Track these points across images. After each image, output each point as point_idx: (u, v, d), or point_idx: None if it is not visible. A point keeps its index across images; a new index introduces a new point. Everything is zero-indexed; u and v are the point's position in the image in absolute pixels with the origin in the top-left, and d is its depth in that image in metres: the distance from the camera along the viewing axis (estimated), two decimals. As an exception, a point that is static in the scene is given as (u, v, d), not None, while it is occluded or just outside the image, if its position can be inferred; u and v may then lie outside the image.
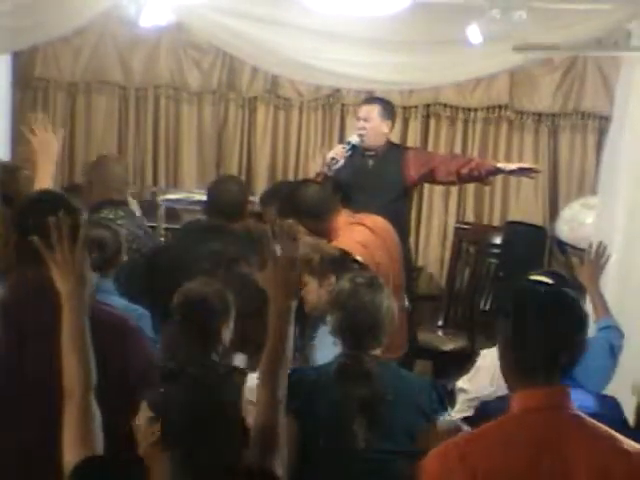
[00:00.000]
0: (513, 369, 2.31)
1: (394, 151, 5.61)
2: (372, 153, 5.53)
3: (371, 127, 5.52)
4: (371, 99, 5.82)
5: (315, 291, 3.99)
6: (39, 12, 4.75)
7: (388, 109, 5.71)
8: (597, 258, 3.91)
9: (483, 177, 5.56)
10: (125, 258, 4.01)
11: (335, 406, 3.10)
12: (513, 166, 5.64)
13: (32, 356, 2.61)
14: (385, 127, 5.61)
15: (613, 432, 2.27)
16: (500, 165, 5.64)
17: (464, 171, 5.43)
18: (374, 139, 5.53)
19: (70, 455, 2.28)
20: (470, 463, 2.22)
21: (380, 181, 5.41)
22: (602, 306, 3.78)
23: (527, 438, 2.23)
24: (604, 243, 3.97)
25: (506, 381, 2.35)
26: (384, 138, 5.59)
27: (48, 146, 4.05)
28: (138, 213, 4.99)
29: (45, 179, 3.90)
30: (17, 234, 2.71)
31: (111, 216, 4.46)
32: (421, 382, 3.37)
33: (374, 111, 5.57)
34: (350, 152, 5.46)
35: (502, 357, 2.34)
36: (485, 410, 3.16)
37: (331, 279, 3.95)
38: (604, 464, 2.20)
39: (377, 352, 3.23)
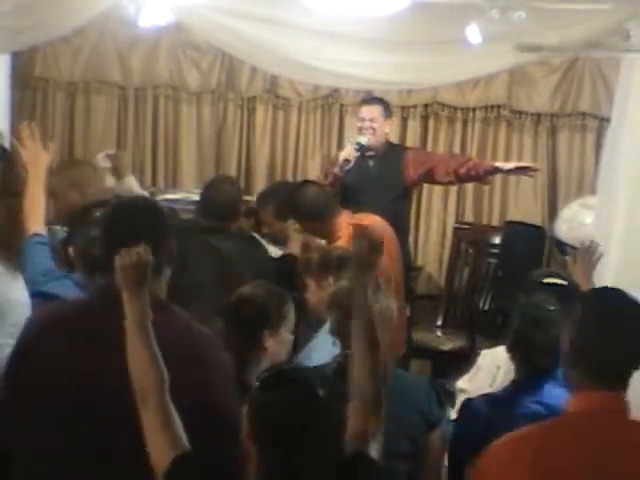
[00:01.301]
0: (583, 369, 2.29)
1: (394, 151, 5.62)
2: (372, 153, 5.54)
3: (377, 127, 5.54)
4: (372, 99, 5.82)
5: (315, 292, 3.99)
6: (39, 12, 4.75)
7: (388, 109, 5.74)
8: (589, 256, 3.91)
9: (482, 177, 5.57)
10: None
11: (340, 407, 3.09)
12: (511, 165, 5.65)
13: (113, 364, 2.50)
14: (387, 127, 5.64)
15: None
16: (498, 164, 5.65)
17: (462, 171, 5.44)
18: (378, 139, 5.54)
19: (159, 457, 2.23)
20: (544, 461, 2.21)
21: (380, 181, 5.42)
22: None
23: (597, 438, 2.23)
24: (596, 241, 3.98)
25: (569, 380, 2.34)
26: (385, 137, 5.61)
27: (38, 159, 3.99)
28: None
29: (35, 192, 3.83)
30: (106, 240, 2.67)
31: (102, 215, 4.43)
32: (420, 382, 3.38)
33: (377, 111, 5.58)
34: (359, 153, 5.47)
35: (571, 356, 2.33)
36: (469, 407, 3.17)
37: (329, 280, 3.95)
38: None
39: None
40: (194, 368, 2.54)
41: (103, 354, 2.54)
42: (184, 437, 2.27)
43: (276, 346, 3.30)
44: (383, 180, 5.43)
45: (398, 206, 5.49)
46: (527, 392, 3.08)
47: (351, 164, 5.41)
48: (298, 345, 3.85)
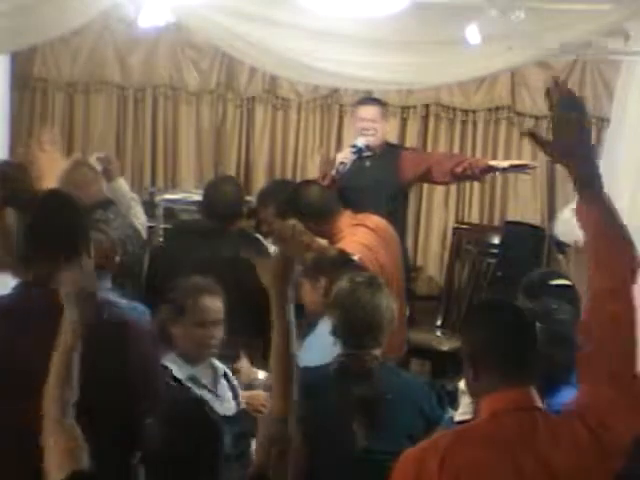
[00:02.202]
0: (487, 374, 2.35)
1: (391, 151, 5.61)
2: (369, 154, 5.53)
3: (378, 127, 5.54)
4: (372, 100, 5.81)
5: (308, 293, 3.99)
6: (38, 12, 4.75)
7: (386, 109, 5.73)
8: (584, 255, 3.90)
9: (477, 176, 5.56)
10: (118, 259, 4.00)
11: (334, 406, 3.10)
12: (506, 163, 5.64)
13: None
14: (386, 127, 5.64)
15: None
16: (493, 163, 5.63)
17: (458, 170, 5.43)
18: (379, 140, 5.55)
19: (56, 472, 2.24)
20: (450, 466, 2.25)
21: (376, 181, 5.40)
22: None
23: (506, 439, 2.27)
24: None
25: (474, 382, 2.39)
26: (384, 138, 5.62)
27: (54, 164, 4.00)
28: (140, 210, 4.94)
29: None
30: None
31: (101, 217, 4.42)
32: (421, 383, 3.38)
33: (378, 112, 5.59)
34: (356, 155, 5.47)
35: (477, 356, 2.38)
36: None
37: (321, 282, 3.94)
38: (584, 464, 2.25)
39: (377, 352, 3.23)
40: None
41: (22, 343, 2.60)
42: (83, 456, 2.28)
43: None
44: (380, 180, 5.42)
45: (395, 206, 5.48)
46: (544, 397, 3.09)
47: (347, 166, 5.41)
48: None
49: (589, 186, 2.36)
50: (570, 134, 2.34)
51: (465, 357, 2.41)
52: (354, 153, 5.45)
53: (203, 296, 3.41)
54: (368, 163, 5.54)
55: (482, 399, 2.36)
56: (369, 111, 5.62)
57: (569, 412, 2.35)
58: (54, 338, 2.42)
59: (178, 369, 3.32)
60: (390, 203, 5.39)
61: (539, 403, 2.36)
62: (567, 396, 2.89)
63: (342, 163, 5.42)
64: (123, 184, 4.82)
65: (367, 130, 5.54)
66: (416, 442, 3.12)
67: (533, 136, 2.49)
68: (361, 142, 5.51)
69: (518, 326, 2.41)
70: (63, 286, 2.44)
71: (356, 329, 3.22)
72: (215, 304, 3.44)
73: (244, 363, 3.97)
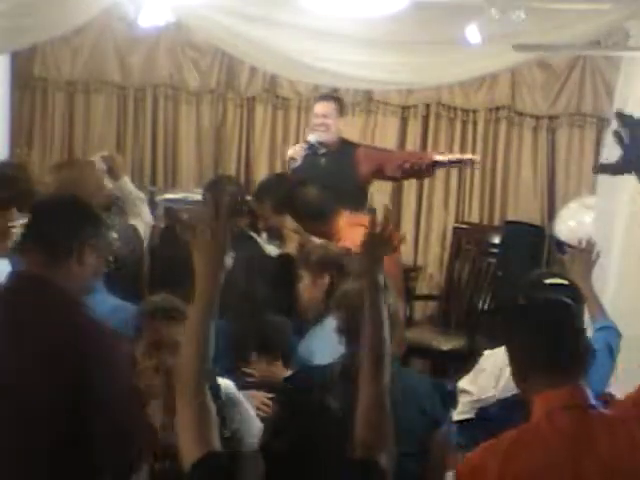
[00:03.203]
0: (538, 370, 2.33)
1: (346, 148, 5.60)
2: (325, 151, 5.53)
3: (331, 124, 5.55)
4: (327, 97, 5.87)
5: (308, 288, 3.98)
6: (38, 12, 4.76)
7: (342, 106, 5.74)
8: (586, 255, 3.91)
9: (425, 171, 5.54)
10: (112, 259, 3.99)
11: (343, 406, 3.08)
12: (451, 157, 5.61)
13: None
14: (340, 124, 5.64)
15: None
16: (438, 158, 5.58)
17: (406, 166, 5.40)
18: (331, 136, 5.55)
19: (190, 450, 2.21)
20: (510, 470, 2.25)
21: (333, 178, 5.37)
22: (596, 303, 3.76)
23: (564, 439, 2.26)
24: (592, 240, 3.97)
25: (523, 383, 2.38)
26: (338, 134, 5.61)
27: None
28: (146, 209, 4.92)
29: None
30: None
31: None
32: (424, 382, 3.36)
33: (331, 108, 5.59)
34: (308, 151, 5.47)
35: (522, 359, 2.37)
36: (485, 415, 3.18)
37: (325, 279, 3.94)
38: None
39: None
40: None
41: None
42: (216, 437, 2.24)
43: None
44: (335, 177, 5.39)
45: (353, 203, 5.44)
46: None
47: (298, 162, 5.42)
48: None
49: None
50: None
51: (512, 358, 2.40)
52: (306, 149, 5.46)
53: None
54: (323, 160, 5.53)
55: (534, 399, 2.33)
56: (321, 107, 5.66)
57: (622, 411, 2.35)
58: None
59: None
60: (349, 200, 5.34)
61: (592, 400, 2.34)
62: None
63: (292, 159, 5.46)
64: (128, 183, 4.80)
65: (319, 126, 5.56)
66: (419, 441, 3.13)
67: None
68: (313, 138, 5.52)
69: (564, 323, 2.39)
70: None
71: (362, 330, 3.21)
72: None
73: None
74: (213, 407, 2.28)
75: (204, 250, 2.36)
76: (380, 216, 2.63)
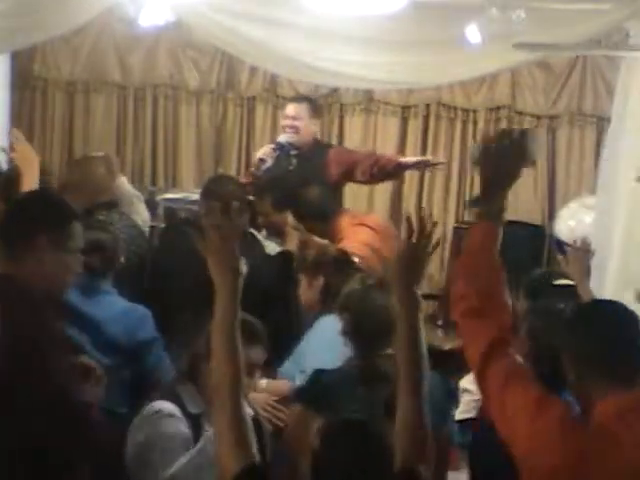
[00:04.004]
0: (600, 374, 2.32)
1: (318, 150, 5.53)
2: (296, 152, 5.48)
3: (301, 125, 5.49)
4: (299, 98, 5.82)
5: (305, 290, 3.99)
6: (38, 12, 4.75)
7: (315, 108, 5.68)
8: (582, 255, 3.91)
9: (392, 174, 5.51)
10: (122, 259, 4.00)
11: (362, 409, 3.06)
12: (414, 159, 5.58)
13: None
14: (313, 125, 5.59)
15: None
16: (402, 160, 5.56)
17: (375, 170, 5.34)
18: (303, 137, 5.49)
19: (229, 462, 2.17)
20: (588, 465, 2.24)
21: (303, 180, 5.34)
22: None
23: (637, 439, 2.24)
24: (588, 239, 3.97)
25: (581, 388, 2.36)
26: (311, 136, 5.57)
27: (29, 159, 4.00)
28: (143, 208, 4.93)
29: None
30: None
31: (106, 218, 4.42)
32: (433, 379, 3.36)
33: (303, 109, 5.53)
34: (277, 152, 5.43)
35: (583, 367, 2.35)
36: (486, 414, 3.16)
37: (319, 280, 3.94)
38: None
39: (390, 351, 3.23)
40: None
41: None
42: (254, 445, 2.21)
43: None
44: (307, 179, 5.35)
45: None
46: None
47: (267, 164, 5.38)
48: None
49: None
50: None
51: (569, 361, 2.38)
52: (275, 150, 5.43)
53: None
54: (294, 161, 5.49)
55: (594, 403, 2.31)
56: (291, 108, 5.59)
57: None
58: None
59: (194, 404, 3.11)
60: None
61: None
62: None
63: (261, 160, 5.40)
64: (125, 183, 4.82)
65: (288, 128, 5.51)
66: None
67: None
68: (283, 139, 5.48)
69: (624, 326, 2.37)
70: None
71: (369, 333, 3.21)
72: None
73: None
74: (249, 418, 2.25)
75: (217, 255, 2.33)
76: (414, 222, 2.54)
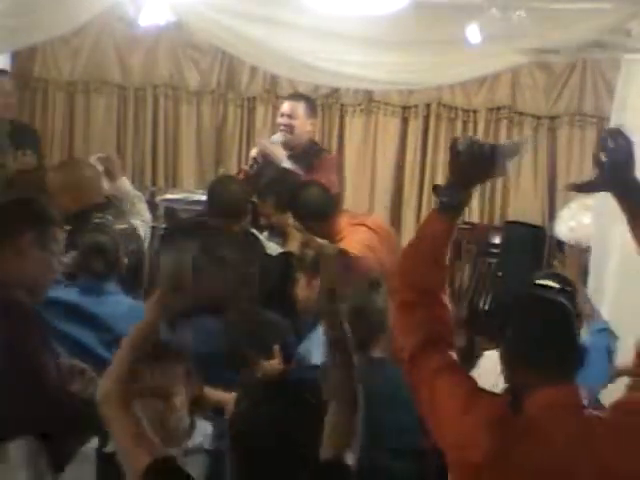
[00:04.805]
0: (530, 366, 2.32)
1: (312, 152, 5.49)
2: (289, 153, 5.44)
3: (297, 124, 5.45)
4: (296, 96, 5.76)
5: (303, 289, 3.98)
6: (38, 12, 4.75)
7: (312, 107, 5.62)
8: (579, 253, 3.90)
9: None
10: (125, 260, 4.00)
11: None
12: None
13: None
14: (309, 125, 5.53)
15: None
16: None
17: None
18: (298, 137, 5.44)
19: (136, 457, 2.26)
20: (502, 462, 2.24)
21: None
22: (589, 306, 3.75)
23: (564, 433, 2.24)
24: (583, 242, 3.97)
25: (513, 380, 2.36)
26: (307, 136, 5.52)
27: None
28: (145, 208, 4.92)
29: None
30: None
31: (102, 220, 4.40)
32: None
33: (299, 108, 5.48)
34: (252, 168, 5.38)
35: (515, 355, 2.36)
36: None
37: (319, 280, 3.93)
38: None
39: (378, 352, 3.23)
40: None
41: None
42: (156, 441, 2.30)
43: None
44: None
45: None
46: None
47: (259, 163, 5.33)
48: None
49: None
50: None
51: (504, 354, 2.39)
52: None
53: None
54: (288, 162, 5.44)
55: (526, 396, 2.30)
56: (287, 106, 5.53)
57: (619, 412, 2.32)
58: None
59: None
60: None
61: (585, 401, 2.32)
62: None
63: (255, 159, 5.37)
64: (126, 183, 4.81)
65: (283, 126, 5.46)
66: (410, 439, 3.13)
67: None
68: (276, 138, 5.44)
69: (558, 321, 2.37)
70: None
71: (357, 333, 3.20)
72: None
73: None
74: (144, 423, 2.33)
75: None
76: None
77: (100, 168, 4.73)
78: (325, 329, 2.49)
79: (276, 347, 3.59)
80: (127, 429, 2.30)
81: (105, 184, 4.71)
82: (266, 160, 5.41)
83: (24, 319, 2.81)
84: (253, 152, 5.49)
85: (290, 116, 5.46)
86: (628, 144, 2.41)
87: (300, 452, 2.19)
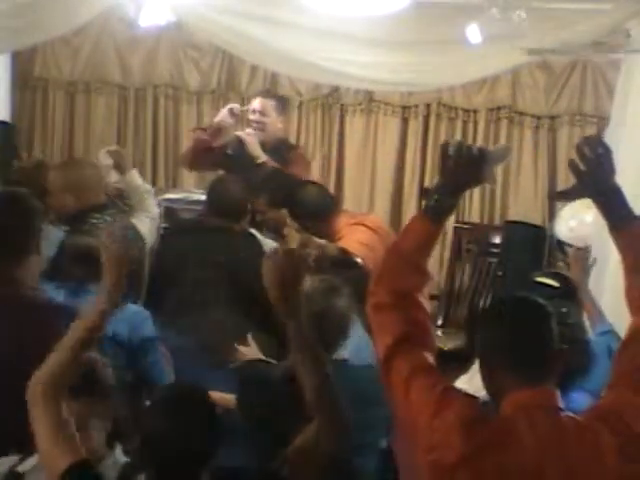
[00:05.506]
0: (504, 369, 2.31)
1: (281, 149, 5.51)
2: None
3: (268, 122, 5.46)
4: (267, 93, 5.79)
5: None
6: (38, 12, 4.75)
7: (283, 105, 5.67)
8: (584, 254, 3.90)
9: None
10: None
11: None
12: None
13: None
14: (279, 123, 5.56)
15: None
16: None
17: None
18: (269, 134, 5.46)
19: (56, 459, 2.26)
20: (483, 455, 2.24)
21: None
22: (594, 307, 3.74)
23: (535, 435, 2.24)
24: (589, 246, 3.97)
25: (489, 383, 2.36)
26: (277, 134, 5.54)
27: None
28: (153, 203, 4.90)
29: None
30: None
31: (100, 222, 4.38)
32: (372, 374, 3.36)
33: (270, 105, 5.50)
34: (236, 150, 5.38)
35: (491, 359, 2.35)
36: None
37: None
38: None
39: (340, 355, 3.24)
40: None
41: None
42: (78, 444, 2.30)
43: None
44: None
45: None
46: None
47: (225, 137, 5.34)
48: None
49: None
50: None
51: (479, 356, 2.39)
52: (236, 149, 5.38)
53: None
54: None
55: (502, 398, 2.31)
56: (258, 103, 5.54)
57: (593, 416, 2.31)
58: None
59: None
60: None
61: (561, 404, 2.32)
62: (578, 401, 2.89)
63: (219, 128, 5.37)
64: (135, 176, 4.79)
65: (254, 123, 5.47)
66: (370, 435, 3.14)
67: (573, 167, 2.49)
68: (249, 133, 5.43)
69: (533, 323, 2.35)
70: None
71: (323, 335, 3.19)
72: None
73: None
74: (71, 422, 2.34)
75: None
76: None
77: (109, 162, 4.72)
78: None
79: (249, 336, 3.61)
80: (48, 428, 2.29)
81: (114, 177, 4.70)
82: (240, 147, 5.39)
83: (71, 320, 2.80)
84: (216, 118, 5.46)
85: (262, 113, 5.49)
86: (606, 151, 2.42)
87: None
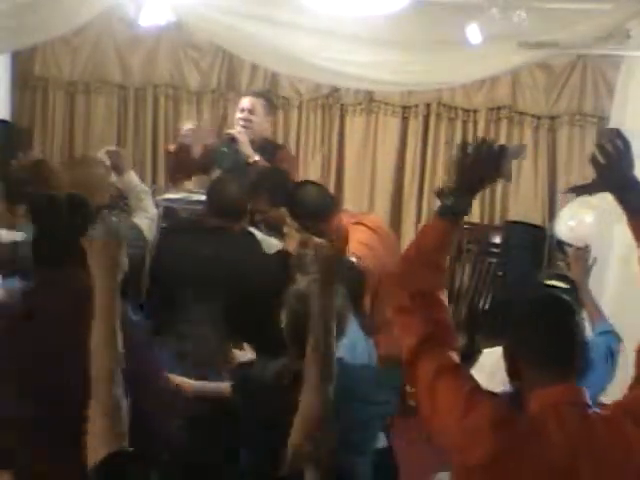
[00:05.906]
0: (533, 366, 2.32)
1: (267, 148, 5.51)
2: None
3: (256, 121, 5.46)
4: (256, 92, 5.78)
5: None
6: (38, 12, 4.76)
7: (271, 105, 5.65)
8: (584, 254, 3.90)
9: None
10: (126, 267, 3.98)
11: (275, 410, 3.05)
12: None
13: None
14: (267, 122, 5.57)
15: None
16: None
17: None
18: (256, 133, 5.46)
19: (99, 446, 2.24)
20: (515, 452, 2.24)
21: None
22: (595, 307, 3.75)
23: (566, 432, 2.25)
24: (589, 246, 3.97)
25: (517, 380, 2.36)
26: (264, 134, 5.55)
27: None
28: (151, 203, 4.90)
29: None
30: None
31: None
32: (368, 372, 3.35)
33: (259, 105, 5.50)
34: (226, 148, 5.39)
35: (522, 356, 2.35)
36: None
37: None
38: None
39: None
40: None
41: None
42: (125, 434, 2.28)
43: None
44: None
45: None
46: None
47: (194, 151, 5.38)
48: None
49: None
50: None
51: (507, 353, 2.38)
52: (225, 144, 5.39)
53: None
54: (240, 158, 5.44)
55: (531, 395, 2.31)
56: (247, 102, 5.53)
57: (617, 411, 2.32)
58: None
59: None
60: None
61: (589, 400, 2.33)
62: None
63: (188, 132, 5.39)
64: (133, 177, 4.79)
65: (242, 120, 5.46)
66: (358, 433, 3.14)
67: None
68: (236, 131, 5.42)
69: (561, 320, 2.37)
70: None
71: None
72: None
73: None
74: (124, 404, 2.31)
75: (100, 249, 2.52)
76: None
77: (108, 162, 4.72)
78: (314, 325, 2.51)
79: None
80: (104, 413, 2.28)
81: (112, 177, 4.71)
82: (233, 144, 5.40)
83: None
84: (188, 124, 5.51)
85: (250, 111, 5.48)
86: (626, 145, 2.43)
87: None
